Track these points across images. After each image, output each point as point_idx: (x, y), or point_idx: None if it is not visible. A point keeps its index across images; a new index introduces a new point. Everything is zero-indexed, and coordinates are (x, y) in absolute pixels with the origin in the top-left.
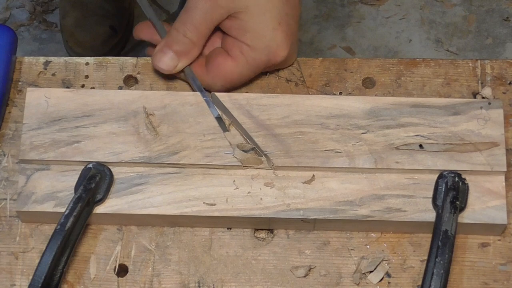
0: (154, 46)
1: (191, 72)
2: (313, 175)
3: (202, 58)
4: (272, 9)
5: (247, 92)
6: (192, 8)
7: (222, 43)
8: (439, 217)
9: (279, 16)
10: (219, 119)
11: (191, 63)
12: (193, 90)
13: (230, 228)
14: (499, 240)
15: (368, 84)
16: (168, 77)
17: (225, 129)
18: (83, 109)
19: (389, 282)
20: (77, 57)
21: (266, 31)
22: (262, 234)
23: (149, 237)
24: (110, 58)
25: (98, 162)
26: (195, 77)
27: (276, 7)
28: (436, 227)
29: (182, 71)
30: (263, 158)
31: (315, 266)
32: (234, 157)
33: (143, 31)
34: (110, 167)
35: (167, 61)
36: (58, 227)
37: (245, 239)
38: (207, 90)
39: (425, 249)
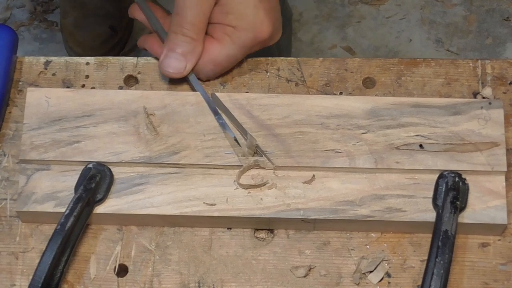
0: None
1: (196, 80)
2: (313, 175)
3: None
4: None
5: (247, 92)
6: (182, 8)
7: (206, 33)
8: (439, 217)
9: None
10: (235, 140)
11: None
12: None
13: (230, 228)
14: (499, 240)
15: (368, 84)
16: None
17: (238, 148)
18: (83, 109)
19: (389, 282)
20: (78, 57)
21: (248, 10)
22: (262, 234)
23: (149, 237)
24: (110, 58)
25: (98, 162)
26: (200, 86)
27: None
28: (436, 227)
29: (187, 77)
30: (264, 158)
31: (315, 266)
32: (241, 162)
33: (146, 41)
34: (110, 167)
35: (174, 64)
36: (58, 227)
37: (245, 239)
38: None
39: (425, 249)
